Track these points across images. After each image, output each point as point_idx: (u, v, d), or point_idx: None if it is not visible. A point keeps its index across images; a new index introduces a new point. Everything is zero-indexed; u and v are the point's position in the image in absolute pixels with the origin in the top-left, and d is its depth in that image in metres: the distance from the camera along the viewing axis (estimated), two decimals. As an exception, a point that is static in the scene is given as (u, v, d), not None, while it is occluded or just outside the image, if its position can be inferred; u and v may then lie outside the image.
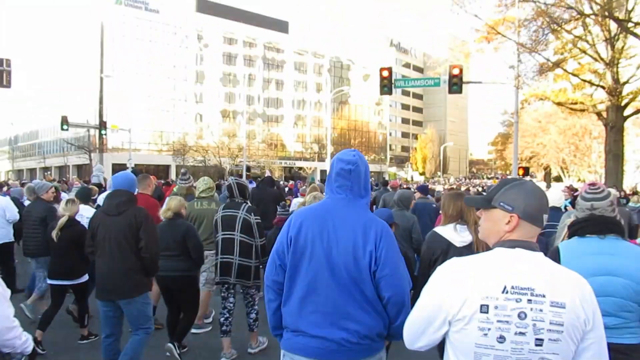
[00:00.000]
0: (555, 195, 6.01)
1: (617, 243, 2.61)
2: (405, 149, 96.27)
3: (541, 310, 1.54)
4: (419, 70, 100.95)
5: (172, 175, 46.33)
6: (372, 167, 72.46)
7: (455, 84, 17.65)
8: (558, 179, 49.78)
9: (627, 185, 30.99)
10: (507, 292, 1.56)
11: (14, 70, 20.95)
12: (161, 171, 49.12)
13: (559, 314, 1.54)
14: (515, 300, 1.55)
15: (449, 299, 1.61)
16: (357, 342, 2.30)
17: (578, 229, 2.72)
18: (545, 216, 1.70)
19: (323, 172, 45.16)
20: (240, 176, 32.69)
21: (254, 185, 14.90)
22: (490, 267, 1.63)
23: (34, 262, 6.49)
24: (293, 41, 70.91)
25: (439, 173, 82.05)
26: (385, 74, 18.32)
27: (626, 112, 17.80)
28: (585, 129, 37.98)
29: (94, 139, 46.07)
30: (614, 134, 17.28)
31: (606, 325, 2.06)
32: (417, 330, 1.72)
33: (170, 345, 4.86)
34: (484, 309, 1.56)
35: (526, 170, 17.89)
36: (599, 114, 18.62)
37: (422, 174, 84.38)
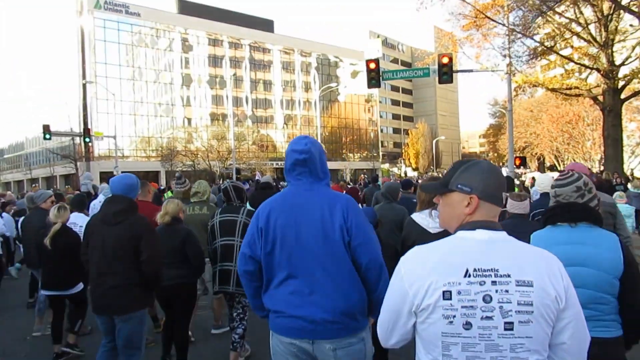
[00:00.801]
0: (546, 181, 5.94)
1: (588, 231, 2.49)
2: (397, 145, 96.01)
3: (507, 291, 1.48)
4: (407, 65, 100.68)
5: (162, 182, 45.44)
6: (365, 165, 72.08)
7: (445, 73, 17.02)
8: (552, 168, 49.35)
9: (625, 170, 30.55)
10: (469, 276, 1.50)
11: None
12: (151, 178, 48.00)
13: (527, 293, 1.48)
14: (479, 283, 1.49)
15: (411, 289, 1.55)
16: (336, 321, 2.35)
17: (548, 217, 2.65)
18: (505, 194, 1.76)
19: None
20: (231, 179, 32.05)
21: (248, 187, 14.28)
22: (450, 252, 1.57)
23: (37, 273, 6.40)
24: (279, 40, 70.08)
25: (432, 168, 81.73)
26: (372, 66, 17.66)
27: (623, 96, 17.16)
28: (579, 116, 37.48)
29: (80, 148, 45.08)
30: (612, 118, 16.64)
31: None
32: (387, 326, 1.66)
33: None
34: (447, 295, 1.50)
35: (522, 160, 17.23)
36: (594, 99, 17.99)
37: (416, 169, 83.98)
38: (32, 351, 5.67)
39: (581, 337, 1.58)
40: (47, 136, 28.46)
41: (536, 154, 49.57)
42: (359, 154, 77.28)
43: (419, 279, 1.55)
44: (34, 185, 44.06)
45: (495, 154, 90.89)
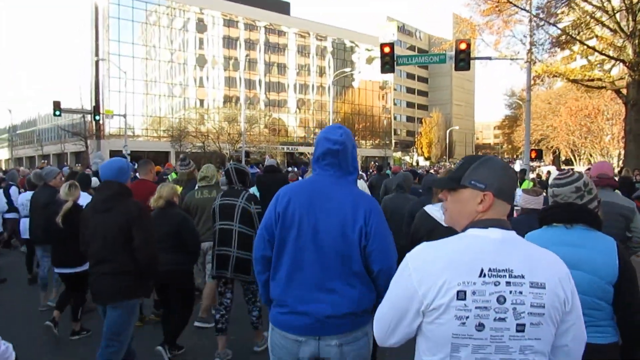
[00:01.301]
0: None
1: (585, 234, 2.41)
2: (410, 133, 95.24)
3: (521, 293, 1.44)
4: (424, 52, 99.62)
5: (172, 161, 45.22)
6: (377, 152, 71.46)
7: (463, 59, 16.40)
8: (568, 162, 48.36)
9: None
10: (484, 276, 1.45)
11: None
12: (160, 158, 47.96)
13: (540, 295, 1.45)
14: (494, 284, 1.44)
15: (421, 287, 1.48)
16: (343, 316, 2.31)
17: (544, 217, 2.58)
18: (515, 193, 1.63)
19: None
20: (240, 161, 31.74)
21: (255, 170, 13.96)
22: (464, 250, 1.51)
23: (40, 250, 6.55)
24: (294, 23, 69.17)
25: (444, 157, 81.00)
26: (387, 50, 17.09)
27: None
28: (598, 109, 36.45)
29: (91, 126, 44.96)
30: (635, 112, 15.89)
31: None
32: (388, 325, 1.59)
33: (160, 348, 4.56)
34: (461, 295, 1.44)
35: (538, 153, 16.60)
36: (618, 92, 17.24)
37: (428, 158, 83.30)
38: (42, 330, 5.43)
39: (581, 339, 1.58)
40: (58, 113, 28.44)
41: (552, 147, 48.58)
42: (371, 142, 76.65)
43: (430, 276, 1.47)
44: (42, 161, 44.10)
45: (510, 146, 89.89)
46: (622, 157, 36.76)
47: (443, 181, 1.72)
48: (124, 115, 35.90)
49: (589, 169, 17.23)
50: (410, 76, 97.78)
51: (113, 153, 40.14)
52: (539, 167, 32.46)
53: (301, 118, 70.11)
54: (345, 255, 2.34)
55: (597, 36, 17.07)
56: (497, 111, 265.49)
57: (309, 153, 56.41)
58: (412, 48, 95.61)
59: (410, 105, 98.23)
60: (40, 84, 57.82)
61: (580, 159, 46.30)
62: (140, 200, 4.43)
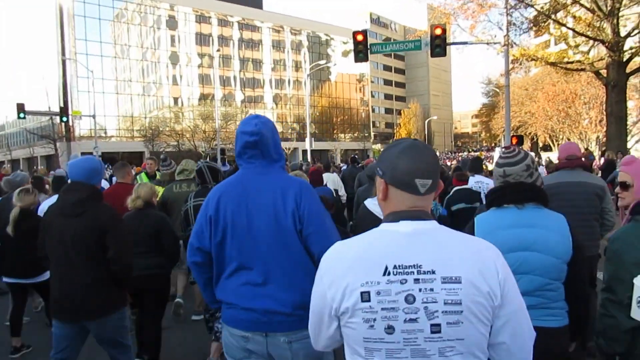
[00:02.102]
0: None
1: (537, 213, 2.34)
2: (389, 125, 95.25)
3: (432, 290, 1.32)
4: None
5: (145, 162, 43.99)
6: (356, 145, 71.06)
7: (438, 45, 15.84)
8: (547, 148, 48.43)
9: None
10: (389, 274, 1.34)
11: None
12: (134, 158, 46.68)
13: (454, 290, 1.31)
14: (400, 282, 1.33)
15: (330, 290, 1.41)
16: (290, 313, 2.25)
17: (494, 199, 2.45)
18: (423, 181, 1.40)
19: (305, 152, 43.35)
20: (215, 159, 30.85)
21: (228, 168, 13.39)
22: (368, 247, 1.40)
23: None
24: (268, 17, 68.12)
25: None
26: (360, 38, 16.46)
27: (628, 70, 16.00)
28: (575, 94, 36.35)
29: (60, 128, 43.50)
30: (616, 94, 15.49)
31: None
32: (314, 329, 1.55)
33: None
34: (365, 296, 1.35)
35: (520, 139, 16.14)
36: (597, 73, 16.84)
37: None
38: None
39: (524, 335, 1.41)
40: (22, 115, 27.49)
41: (530, 133, 48.60)
42: (350, 135, 76.25)
43: (337, 278, 1.40)
44: (4, 166, 42.52)
45: (488, 134, 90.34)
46: (600, 140, 36.86)
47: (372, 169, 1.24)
48: (93, 116, 34.73)
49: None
50: (387, 68, 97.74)
51: (85, 155, 38.71)
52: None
53: (278, 113, 69.28)
54: (283, 244, 2.28)
55: (574, 17, 16.61)
56: (474, 100, 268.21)
57: (287, 148, 55.77)
58: (387, 40, 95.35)
59: (388, 97, 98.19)
60: (4, 87, 55.79)
61: (558, 144, 46.36)
62: (122, 204, 4.43)
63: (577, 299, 2.34)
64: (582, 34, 15.93)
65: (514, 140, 15.99)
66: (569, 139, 42.60)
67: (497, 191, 2.48)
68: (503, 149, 2.66)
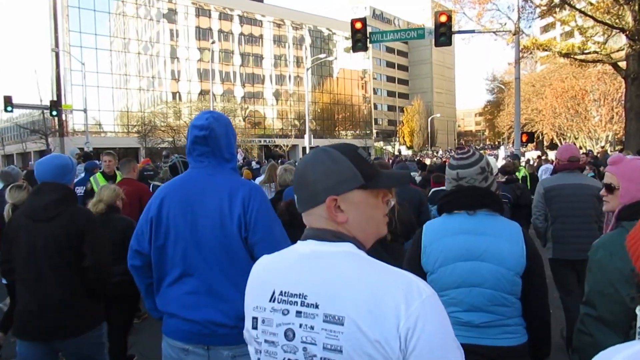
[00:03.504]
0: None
1: (488, 220, 2.18)
2: (391, 122, 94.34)
3: (312, 328, 1.11)
4: (404, 42, 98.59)
5: (141, 158, 42.90)
6: (358, 142, 69.85)
7: (443, 33, 14.69)
8: (554, 146, 47.02)
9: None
10: (274, 300, 1.18)
11: None
12: (129, 154, 45.59)
13: (334, 333, 1.08)
14: (282, 312, 1.16)
15: (245, 309, 1.29)
16: (234, 325, 2.10)
17: (444, 204, 2.28)
18: (296, 196, 1.26)
19: (305, 149, 42.23)
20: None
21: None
22: (268, 266, 1.27)
23: None
24: (269, 10, 66.83)
25: (427, 146, 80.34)
26: (359, 25, 15.32)
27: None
28: (585, 90, 35.04)
29: (53, 122, 42.41)
30: (636, 87, 14.21)
31: (474, 323, 2.06)
32: None
33: None
34: (255, 323, 1.22)
35: (530, 137, 14.90)
36: (615, 65, 15.56)
37: (410, 147, 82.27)
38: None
39: None
40: (9, 109, 26.62)
41: (537, 131, 47.33)
42: (351, 132, 75.21)
43: (246, 297, 1.29)
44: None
45: (491, 133, 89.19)
46: (609, 139, 35.61)
47: None
48: (85, 110, 33.63)
49: (585, 154, 15.70)
50: (390, 65, 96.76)
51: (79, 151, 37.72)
52: (524, 152, 31.01)
53: (279, 110, 68.18)
54: (229, 252, 2.16)
55: (590, 4, 15.33)
56: (478, 98, 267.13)
57: (285, 145, 54.72)
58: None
59: (390, 94, 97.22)
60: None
61: (565, 143, 45.03)
62: (130, 201, 4.20)
63: (535, 315, 2.16)
64: (600, 21, 14.61)
65: (524, 138, 14.81)
66: (576, 138, 41.41)
67: (447, 196, 2.29)
68: (457, 150, 2.42)
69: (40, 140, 40.65)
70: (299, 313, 1.12)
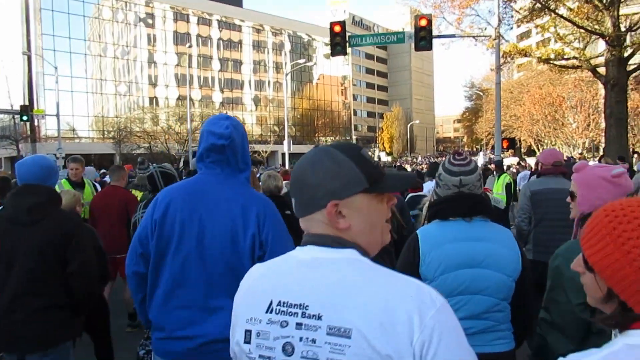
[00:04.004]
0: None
1: (485, 226, 2.19)
2: (371, 129, 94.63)
3: (314, 342, 1.02)
4: (383, 48, 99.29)
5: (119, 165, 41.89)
6: (337, 149, 69.62)
7: (423, 38, 14.43)
8: (531, 153, 47.42)
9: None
10: (271, 311, 1.09)
11: None
12: (104, 161, 44.62)
13: (340, 347, 0.99)
14: (280, 324, 1.06)
15: (232, 322, 1.21)
16: (226, 340, 1.86)
17: (439, 210, 2.23)
18: (293, 200, 1.18)
19: (283, 155, 41.82)
20: (187, 162, 29.06)
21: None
22: (265, 275, 1.17)
23: None
24: (248, 15, 66.42)
25: (406, 152, 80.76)
26: (337, 29, 15.01)
27: (629, 67, 14.70)
28: (562, 97, 35.38)
29: (24, 128, 41.24)
30: (616, 93, 14.16)
31: (472, 330, 2.05)
32: None
33: None
34: (247, 336, 1.12)
35: (511, 142, 14.74)
36: (594, 71, 15.52)
37: (390, 153, 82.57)
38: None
39: None
40: (-23, 113, 25.68)
41: (514, 137, 47.80)
42: (331, 138, 75.14)
43: (234, 307, 1.21)
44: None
45: (470, 139, 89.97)
46: (586, 146, 36.00)
47: None
48: (57, 115, 32.67)
49: (565, 160, 15.60)
50: (369, 71, 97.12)
51: (51, 157, 36.61)
52: (502, 159, 31.09)
53: (258, 115, 67.68)
54: (235, 268, 2.02)
55: (570, 9, 15.27)
56: (457, 105, 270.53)
57: (263, 151, 54.24)
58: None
59: (370, 100, 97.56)
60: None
61: (543, 149, 45.42)
62: (118, 209, 4.18)
63: (523, 320, 2.19)
64: (580, 26, 14.54)
65: (505, 144, 14.63)
66: (553, 144, 41.77)
67: (448, 201, 2.20)
68: (454, 155, 2.33)
69: (10, 146, 39.46)
70: (299, 325, 1.03)
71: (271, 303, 1.08)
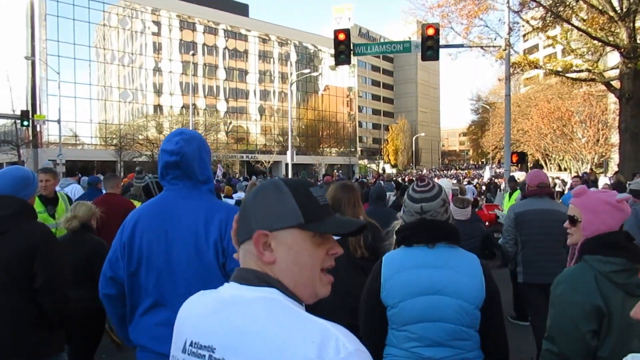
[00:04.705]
0: (446, 186, 5.59)
1: (447, 252, 2.17)
2: (376, 140, 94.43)
3: None
4: (389, 60, 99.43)
5: (120, 172, 41.45)
6: (342, 160, 69.37)
7: (431, 47, 13.91)
8: (538, 168, 46.67)
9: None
10: (185, 351, 1.08)
11: None
12: (106, 167, 44.22)
13: None
14: None
15: None
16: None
17: (403, 237, 2.24)
18: (239, 227, 1.14)
19: (287, 166, 41.28)
20: (225, 174, 28.57)
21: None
22: (189, 309, 1.15)
23: None
24: (255, 25, 66.30)
25: (411, 165, 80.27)
26: (342, 37, 14.49)
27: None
28: (571, 112, 34.77)
29: (27, 133, 40.90)
30: (631, 107, 13.53)
31: (436, 358, 2.05)
32: None
33: None
34: None
35: (520, 157, 14.13)
36: (608, 85, 14.92)
37: (395, 165, 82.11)
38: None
39: None
40: (-22, 118, 25.45)
41: (524, 152, 47.18)
42: (336, 149, 74.67)
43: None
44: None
45: (475, 153, 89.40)
46: (595, 161, 35.29)
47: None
48: (58, 121, 32.38)
49: (578, 177, 14.98)
50: (375, 83, 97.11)
51: (52, 163, 36.21)
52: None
53: (262, 125, 67.31)
54: (204, 279, 2.03)
55: (583, 20, 14.72)
56: (462, 118, 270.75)
57: (266, 161, 53.80)
58: (377, 55, 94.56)
59: (376, 112, 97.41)
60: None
61: (550, 164, 44.70)
62: (119, 218, 3.56)
63: (495, 349, 2.15)
64: (595, 37, 13.96)
65: (514, 158, 14.04)
66: (561, 159, 41.10)
67: (411, 228, 2.21)
68: (417, 182, 2.30)
69: (11, 152, 39.08)
70: None
71: (185, 342, 1.07)
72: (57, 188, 6.44)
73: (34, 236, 2.69)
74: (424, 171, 70.99)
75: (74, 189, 8.22)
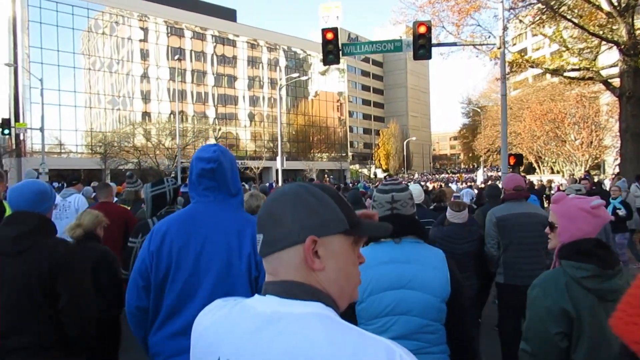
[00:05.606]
0: (416, 192, 5.38)
1: (413, 247, 2.21)
2: (367, 145, 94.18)
3: None
4: (379, 64, 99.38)
5: (107, 181, 40.47)
6: (333, 165, 68.88)
7: (422, 46, 13.36)
8: (530, 170, 46.33)
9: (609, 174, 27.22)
10: None
11: None
12: (93, 176, 43.28)
13: None
14: None
15: None
16: None
17: None
18: (260, 236, 1.05)
19: (277, 172, 40.57)
20: (175, 178, 27.84)
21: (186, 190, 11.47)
22: (217, 328, 1.04)
23: None
24: (243, 30, 65.69)
25: (402, 169, 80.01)
26: (330, 36, 13.93)
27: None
28: (564, 114, 34.38)
29: (10, 142, 39.94)
30: (632, 106, 13.05)
31: None
32: None
33: None
34: None
35: (518, 159, 13.56)
36: (607, 83, 14.42)
37: (386, 170, 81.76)
38: None
39: None
40: (-42, 126, 24.76)
41: (521, 154, 46.77)
42: (327, 154, 74.11)
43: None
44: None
45: (467, 156, 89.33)
46: (589, 163, 34.94)
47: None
48: (41, 129, 31.48)
49: (584, 178, 14.49)
50: (365, 88, 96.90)
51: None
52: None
53: (252, 131, 66.59)
54: (232, 292, 2.01)
55: (581, 17, 14.24)
56: (453, 122, 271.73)
57: (255, 167, 53.03)
58: (366, 60, 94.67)
59: (366, 117, 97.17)
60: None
61: (543, 167, 44.37)
62: (118, 226, 4.28)
63: (460, 343, 2.16)
64: (593, 34, 13.46)
65: (512, 160, 13.46)
66: (554, 162, 40.74)
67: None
68: (387, 178, 1.64)
69: (-7, 161, 38.11)
70: None
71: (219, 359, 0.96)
72: (59, 199, 6.48)
73: (56, 254, 2.55)
74: (416, 175, 70.67)
75: (77, 199, 7.74)
